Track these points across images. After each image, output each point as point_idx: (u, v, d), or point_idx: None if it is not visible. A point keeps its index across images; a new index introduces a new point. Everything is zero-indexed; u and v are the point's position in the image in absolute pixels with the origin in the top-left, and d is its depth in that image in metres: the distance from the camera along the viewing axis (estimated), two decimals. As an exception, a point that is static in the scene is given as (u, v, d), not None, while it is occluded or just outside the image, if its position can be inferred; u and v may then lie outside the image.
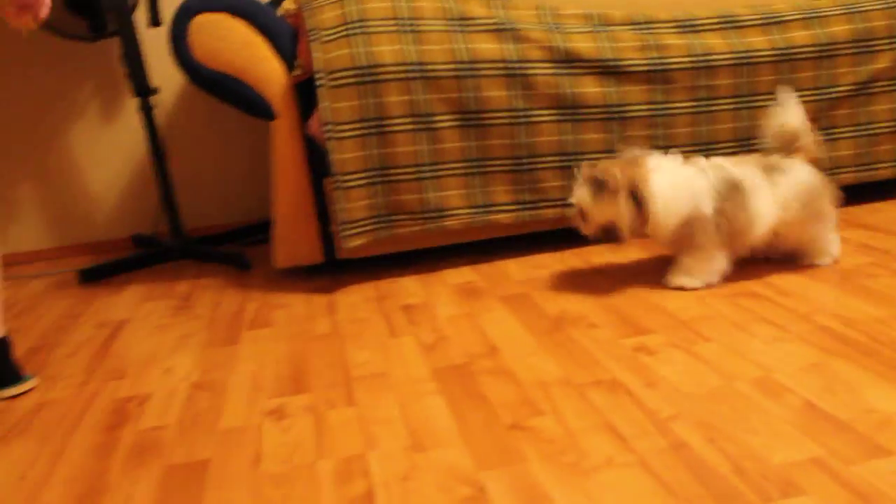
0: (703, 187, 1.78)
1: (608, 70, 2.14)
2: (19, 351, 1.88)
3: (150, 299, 2.19)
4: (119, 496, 1.18)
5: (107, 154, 2.90)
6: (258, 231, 2.88)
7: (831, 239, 1.90)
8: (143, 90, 2.52)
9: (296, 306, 1.98)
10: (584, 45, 2.12)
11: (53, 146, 2.86)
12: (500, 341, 1.61)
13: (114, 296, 2.27)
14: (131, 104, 2.86)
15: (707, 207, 1.76)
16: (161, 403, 1.49)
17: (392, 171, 2.02)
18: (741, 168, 1.81)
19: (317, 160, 2.07)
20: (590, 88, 2.12)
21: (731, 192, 1.77)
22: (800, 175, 1.81)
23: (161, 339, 1.85)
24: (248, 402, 1.45)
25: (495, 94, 2.05)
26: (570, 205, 1.85)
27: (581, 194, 1.81)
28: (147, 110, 2.53)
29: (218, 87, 2.07)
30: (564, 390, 1.36)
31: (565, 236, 2.29)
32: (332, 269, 2.29)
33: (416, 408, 1.35)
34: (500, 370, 1.47)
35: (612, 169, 1.77)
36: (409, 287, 2.04)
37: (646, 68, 2.15)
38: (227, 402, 1.46)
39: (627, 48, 2.15)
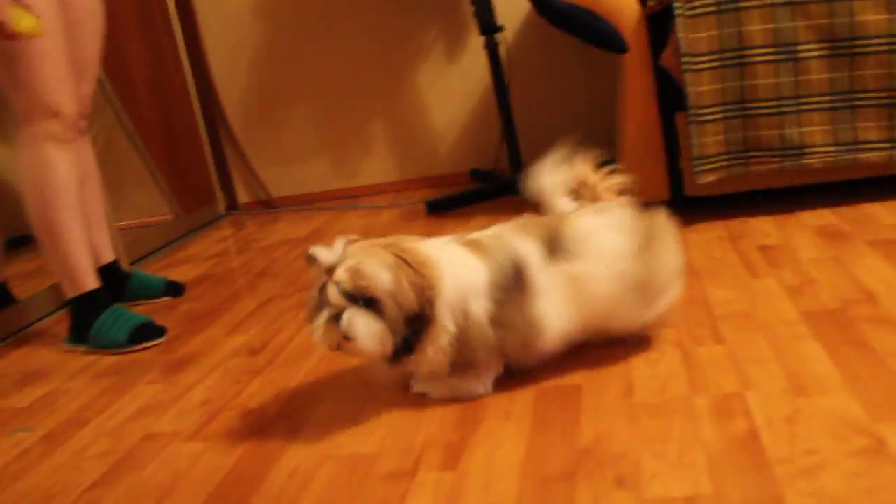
0: (481, 285, 1.24)
1: None
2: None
3: (496, 230, 2.27)
4: (496, 411, 1.24)
5: (449, 92, 3.04)
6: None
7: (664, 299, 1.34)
8: (490, 28, 2.59)
9: (642, 242, 1.96)
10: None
11: (401, 85, 3.05)
12: (876, 288, 1.48)
13: (461, 226, 2.39)
14: (473, 43, 2.96)
15: (482, 314, 1.24)
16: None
17: (750, 104, 1.91)
18: (525, 244, 1.28)
19: (667, 93, 2.02)
20: None
21: (514, 288, 1.25)
22: (608, 240, 1.28)
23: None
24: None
25: (872, 17, 1.86)
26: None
27: (357, 323, 1.16)
28: (492, 48, 2.61)
29: (570, 20, 2.08)
30: (966, 345, 1.23)
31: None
32: (679, 207, 2.23)
33: (790, 350, 1.28)
34: (881, 318, 1.35)
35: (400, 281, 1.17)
36: (763, 227, 1.94)
37: None
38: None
39: None
